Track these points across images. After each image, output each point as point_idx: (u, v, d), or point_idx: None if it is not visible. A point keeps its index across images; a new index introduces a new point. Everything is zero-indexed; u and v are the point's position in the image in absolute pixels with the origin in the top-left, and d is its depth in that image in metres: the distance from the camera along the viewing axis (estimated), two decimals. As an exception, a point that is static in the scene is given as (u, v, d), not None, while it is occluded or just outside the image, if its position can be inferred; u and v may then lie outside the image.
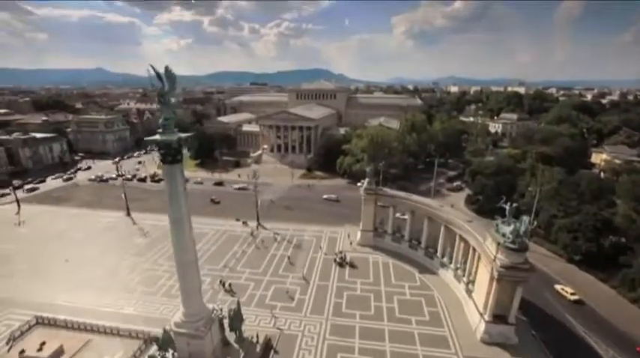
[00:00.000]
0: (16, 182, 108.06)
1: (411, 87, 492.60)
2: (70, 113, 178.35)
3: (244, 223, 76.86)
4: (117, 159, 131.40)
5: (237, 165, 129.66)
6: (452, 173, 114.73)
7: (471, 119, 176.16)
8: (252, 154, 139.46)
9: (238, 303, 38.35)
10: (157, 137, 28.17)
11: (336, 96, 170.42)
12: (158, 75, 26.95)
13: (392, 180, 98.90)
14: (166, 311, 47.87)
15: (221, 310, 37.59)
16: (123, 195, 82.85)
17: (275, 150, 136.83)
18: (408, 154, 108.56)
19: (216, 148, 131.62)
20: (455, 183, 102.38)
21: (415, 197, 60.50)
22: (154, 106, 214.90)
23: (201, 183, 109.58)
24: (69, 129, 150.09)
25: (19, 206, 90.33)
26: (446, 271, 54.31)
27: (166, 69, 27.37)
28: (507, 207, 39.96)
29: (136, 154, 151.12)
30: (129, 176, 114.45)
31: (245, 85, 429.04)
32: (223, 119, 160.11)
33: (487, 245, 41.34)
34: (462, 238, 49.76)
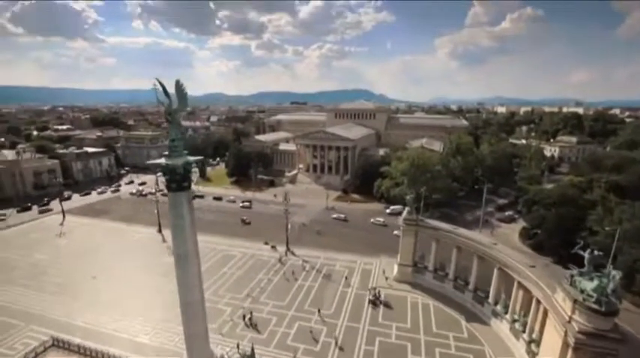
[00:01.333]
0: (66, 193, 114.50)
1: (454, 107, 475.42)
2: (122, 129, 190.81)
3: (273, 247, 73.04)
4: (158, 174, 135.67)
5: (272, 184, 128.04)
6: (502, 201, 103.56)
7: (523, 141, 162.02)
8: (287, 174, 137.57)
9: (252, 349, 33.62)
10: (161, 161, 24.98)
11: (375, 116, 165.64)
12: (165, 90, 24.06)
13: (434, 207, 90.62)
14: (181, 343, 44.05)
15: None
16: (156, 211, 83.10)
17: (311, 171, 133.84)
18: (453, 179, 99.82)
19: (252, 166, 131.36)
20: (506, 213, 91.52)
21: (462, 231, 52.86)
22: (197, 124, 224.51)
23: (233, 201, 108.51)
24: (118, 145, 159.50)
25: (63, 217, 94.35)
26: (500, 322, 45.72)
27: (177, 84, 24.44)
28: (587, 255, 31.77)
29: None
30: (166, 191, 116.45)
31: (285, 104, 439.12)
32: (260, 137, 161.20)
33: (558, 300, 33.21)
34: (521, 285, 41.50)
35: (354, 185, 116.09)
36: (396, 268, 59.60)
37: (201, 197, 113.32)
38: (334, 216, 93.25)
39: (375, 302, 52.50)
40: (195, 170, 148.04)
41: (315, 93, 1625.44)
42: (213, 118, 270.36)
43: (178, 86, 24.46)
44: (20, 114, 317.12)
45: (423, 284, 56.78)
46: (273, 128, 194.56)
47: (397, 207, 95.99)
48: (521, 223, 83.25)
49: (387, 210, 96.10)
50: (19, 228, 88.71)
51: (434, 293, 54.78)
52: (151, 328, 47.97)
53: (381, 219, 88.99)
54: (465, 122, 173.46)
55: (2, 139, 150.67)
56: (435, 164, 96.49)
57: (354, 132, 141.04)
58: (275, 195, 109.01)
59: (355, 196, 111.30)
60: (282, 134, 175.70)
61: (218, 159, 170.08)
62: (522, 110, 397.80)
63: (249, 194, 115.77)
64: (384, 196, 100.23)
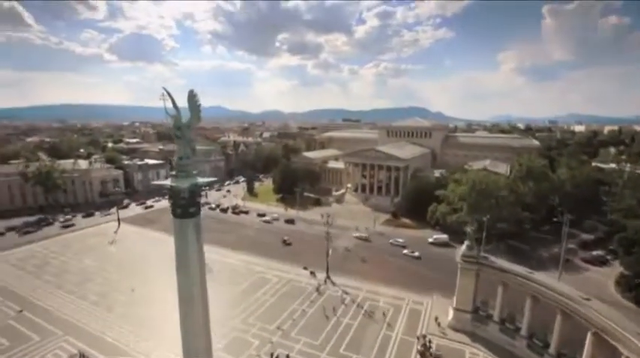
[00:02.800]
0: (125, 201, 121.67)
1: (520, 125, 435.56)
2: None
3: (312, 273, 67.38)
4: (208, 188, 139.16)
5: (317, 203, 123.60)
6: (587, 236, 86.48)
7: (612, 165, 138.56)
8: (334, 193, 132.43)
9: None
10: (166, 182, 21.35)
11: (431, 134, 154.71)
12: (174, 102, 20.72)
13: (499, 239, 78.54)
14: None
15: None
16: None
17: (359, 190, 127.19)
18: (522, 207, 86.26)
19: (299, 184, 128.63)
20: (594, 253, 75.28)
21: (540, 278, 42.29)
22: (250, 139, 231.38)
23: (277, 219, 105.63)
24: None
25: (119, 224, 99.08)
26: (596, 406, 34.46)
27: (190, 94, 20.98)
28: None
29: (226, 184, 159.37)
30: (213, 205, 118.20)
31: (338, 121, 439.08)
32: (309, 154, 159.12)
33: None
34: (630, 362, 30.56)
35: (405, 208, 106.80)
36: (451, 313, 50.15)
37: (246, 213, 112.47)
38: (391, 241, 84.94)
39: (424, 354, 43.81)
40: (242, 185, 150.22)
41: (369, 111, 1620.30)
42: (266, 134, 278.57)
43: (191, 97, 21.03)
44: (104, 129, 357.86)
45: (485, 336, 46.61)
46: (323, 145, 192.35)
47: (442, 237, 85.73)
48: (616, 267, 67.50)
49: (430, 240, 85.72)
50: (80, 232, 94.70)
51: (500, 350, 44.39)
52: (173, 355, 44.66)
53: (416, 253, 77.72)
54: (535, 142, 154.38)
55: (82, 150, 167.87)
56: (501, 189, 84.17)
57: (406, 151, 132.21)
58: (322, 215, 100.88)
59: (406, 221, 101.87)
60: (331, 151, 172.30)
61: (265, 174, 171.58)
62: (607, 129, 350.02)
63: (293, 212, 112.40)
64: (439, 222, 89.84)
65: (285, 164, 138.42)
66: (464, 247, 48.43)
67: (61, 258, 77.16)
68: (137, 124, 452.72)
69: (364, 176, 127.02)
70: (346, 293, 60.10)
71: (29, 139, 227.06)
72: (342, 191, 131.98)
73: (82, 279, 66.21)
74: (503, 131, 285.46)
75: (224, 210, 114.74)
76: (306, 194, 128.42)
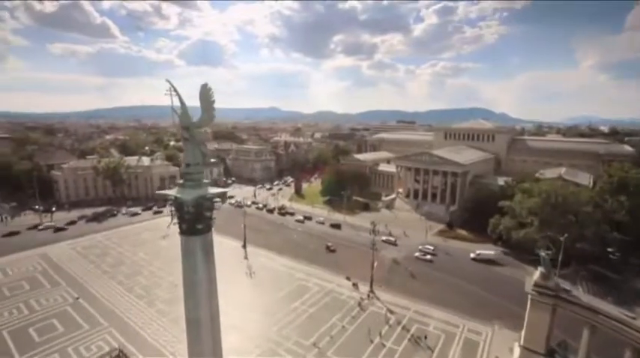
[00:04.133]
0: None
1: (604, 128, 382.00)
2: (235, 143, 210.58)
3: (355, 285, 62.73)
4: (257, 186, 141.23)
5: (366, 207, 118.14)
6: (700, 267, 70.00)
7: None
8: (384, 198, 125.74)
9: None
10: (170, 192, 18.55)
11: (494, 137, 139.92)
12: (180, 98, 17.85)
13: (579, 262, 66.58)
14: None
15: None
16: (242, 225, 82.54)
17: (411, 197, 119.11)
18: (611, 226, 72.57)
19: (347, 187, 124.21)
20: None
21: (645, 323, 33.02)
22: (300, 139, 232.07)
23: (322, 223, 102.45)
24: (230, 157, 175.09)
25: (172, 219, 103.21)
26: None
27: (203, 89, 17.98)
28: None
29: (275, 183, 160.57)
30: (260, 205, 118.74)
31: (391, 123, 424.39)
32: (359, 156, 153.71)
33: None
34: None
35: (461, 218, 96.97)
36: (517, 351, 42.09)
37: (292, 214, 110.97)
38: (420, 248, 78.49)
39: (482, 398, 36.95)
40: (280, 186, 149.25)
41: (425, 112, 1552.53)
42: (317, 135, 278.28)
43: (204, 92, 17.95)
44: (170, 128, 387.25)
45: (562, 386, 38.13)
46: (375, 147, 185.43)
47: (488, 253, 76.20)
48: None
49: (472, 255, 76.56)
50: (138, 225, 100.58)
51: (582, 406, 35.80)
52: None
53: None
54: (627, 148, 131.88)
55: (147, 148, 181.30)
56: (583, 203, 71.47)
57: (465, 155, 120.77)
58: (372, 223, 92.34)
59: (462, 232, 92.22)
60: (382, 154, 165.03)
61: (315, 175, 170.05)
62: None
63: (339, 216, 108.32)
64: (503, 238, 79.36)
65: (333, 165, 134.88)
66: (537, 274, 40.25)
67: (119, 248, 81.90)
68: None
69: (417, 181, 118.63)
70: (391, 311, 54.50)
71: (107, 137, 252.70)
72: (393, 196, 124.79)
73: (132, 272, 69.11)
74: (581, 134, 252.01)
75: (270, 211, 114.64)
76: (354, 198, 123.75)
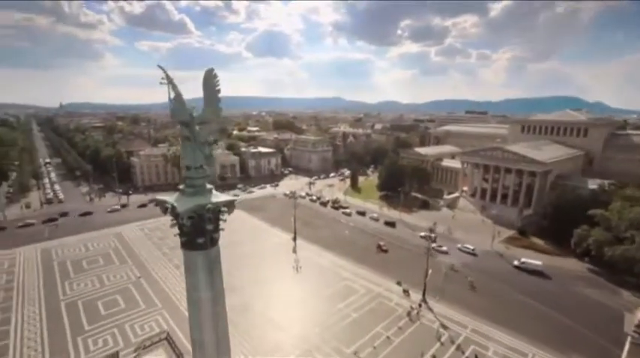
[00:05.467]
0: (239, 186, 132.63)
1: None
2: (295, 133, 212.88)
3: (405, 292, 57.81)
4: (312, 179, 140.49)
5: (425, 205, 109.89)
6: None
7: None
8: (446, 196, 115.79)
9: None
10: (166, 199, 16.14)
11: (587, 131, 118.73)
12: (175, 87, 15.10)
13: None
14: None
15: None
16: (292, 218, 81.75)
17: (477, 196, 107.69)
18: None
19: (405, 182, 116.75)
20: None
21: None
22: (360, 131, 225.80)
23: (376, 219, 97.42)
24: (288, 147, 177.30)
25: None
26: None
27: (208, 75, 15.17)
28: None
29: (331, 175, 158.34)
30: (314, 197, 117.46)
31: (459, 113, 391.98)
32: (420, 150, 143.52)
33: None
34: None
35: (538, 225, 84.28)
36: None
37: (346, 208, 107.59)
38: (515, 263, 68.12)
39: None
40: (336, 178, 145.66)
41: (499, 102, 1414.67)
42: (378, 126, 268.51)
43: (209, 78, 15.11)
44: (235, 118, 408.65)
45: None
46: (439, 140, 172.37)
47: (535, 263, 66.10)
48: None
49: (515, 262, 67.34)
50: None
51: None
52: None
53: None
54: None
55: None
56: None
57: (546, 152, 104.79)
58: (434, 223, 79.79)
59: (538, 242, 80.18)
60: (447, 148, 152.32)
61: (372, 168, 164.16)
62: None
63: (395, 214, 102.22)
64: (590, 253, 66.71)
65: (392, 159, 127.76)
66: (640, 310, 31.60)
67: (176, 231, 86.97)
68: (263, 114, 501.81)
69: (486, 179, 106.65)
70: (444, 327, 48.74)
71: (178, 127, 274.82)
72: (456, 195, 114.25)
73: (188, 256, 72.52)
74: None
75: (324, 204, 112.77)
76: (413, 194, 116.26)
